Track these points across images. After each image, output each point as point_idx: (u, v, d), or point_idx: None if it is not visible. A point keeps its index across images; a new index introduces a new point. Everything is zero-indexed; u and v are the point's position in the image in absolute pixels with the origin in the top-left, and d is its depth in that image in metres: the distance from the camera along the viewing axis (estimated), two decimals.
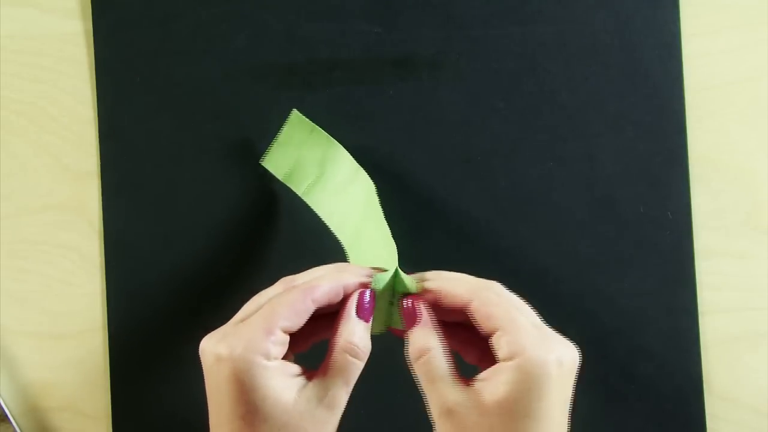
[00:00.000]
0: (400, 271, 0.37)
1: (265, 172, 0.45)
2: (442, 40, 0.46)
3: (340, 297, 0.35)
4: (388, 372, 0.46)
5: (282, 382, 0.32)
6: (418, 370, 0.34)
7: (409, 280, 0.36)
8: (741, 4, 0.47)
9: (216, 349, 0.32)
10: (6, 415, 0.45)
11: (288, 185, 0.43)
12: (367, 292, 0.36)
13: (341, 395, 0.33)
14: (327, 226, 0.46)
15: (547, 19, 0.46)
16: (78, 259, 0.46)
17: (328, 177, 0.42)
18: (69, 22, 0.46)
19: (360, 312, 0.35)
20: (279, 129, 0.45)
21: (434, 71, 0.46)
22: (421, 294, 0.36)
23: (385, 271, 0.37)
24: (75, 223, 0.46)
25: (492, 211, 0.46)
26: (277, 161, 0.43)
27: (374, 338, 0.36)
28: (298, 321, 0.33)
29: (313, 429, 0.32)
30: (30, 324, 0.46)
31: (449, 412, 0.32)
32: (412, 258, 0.37)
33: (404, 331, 0.36)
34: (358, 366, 0.34)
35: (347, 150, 0.43)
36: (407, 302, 0.36)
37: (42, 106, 0.46)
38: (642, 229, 0.46)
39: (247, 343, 0.32)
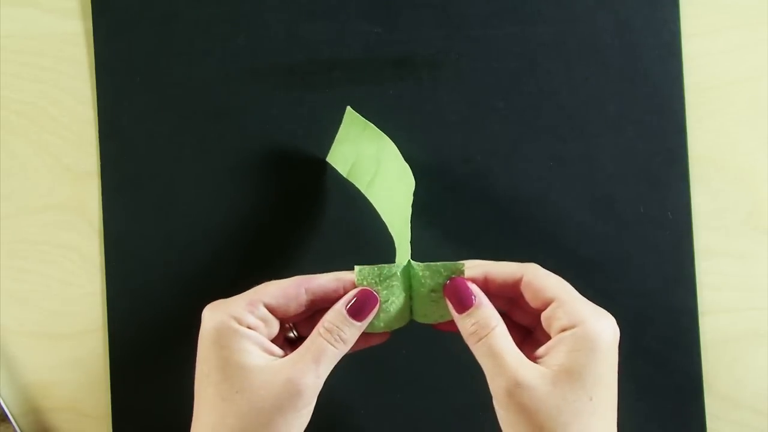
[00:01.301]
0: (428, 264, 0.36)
1: (266, 172, 0.45)
2: (442, 40, 0.46)
3: (339, 294, 0.36)
4: (387, 373, 0.46)
5: (251, 349, 0.33)
6: (480, 350, 0.34)
7: (454, 264, 0.36)
8: (741, 4, 0.47)
9: (206, 312, 0.35)
10: (6, 415, 0.45)
11: (351, 181, 0.42)
12: (360, 290, 0.35)
13: (308, 375, 0.33)
14: (327, 226, 0.46)
15: (547, 19, 0.46)
16: (78, 259, 0.46)
17: (383, 172, 0.41)
18: (69, 22, 0.46)
19: (349, 307, 0.35)
20: (278, 129, 0.45)
21: (434, 71, 0.46)
22: (467, 278, 0.36)
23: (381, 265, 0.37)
24: (75, 223, 0.46)
25: (492, 211, 0.46)
26: (339, 158, 0.43)
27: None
28: (285, 303, 0.35)
29: (274, 402, 0.32)
30: (30, 324, 0.46)
31: (519, 387, 0.32)
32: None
33: (438, 323, 0.37)
34: (331, 351, 0.34)
35: None
36: (455, 285, 0.36)
37: (42, 106, 0.46)
38: (642, 229, 0.46)
39: (230, 309, 0.34)
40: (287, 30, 0.46)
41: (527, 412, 0.32)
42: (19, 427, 0.45)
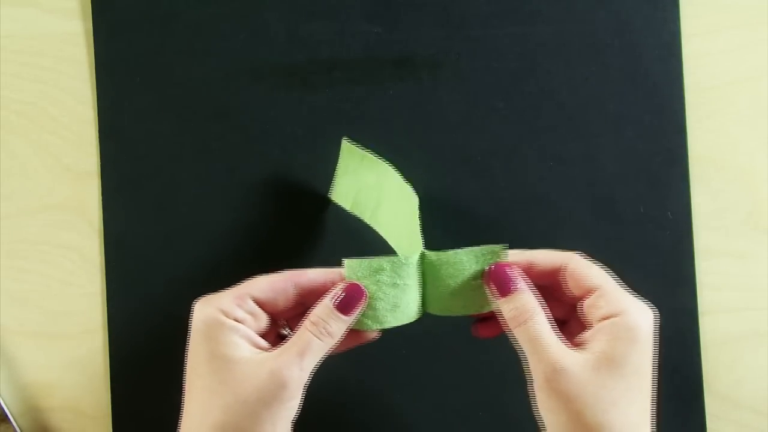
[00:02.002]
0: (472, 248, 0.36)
1: (265, 172, 0.45)
2: (442, 40, 0.46)
3: (327, 288, 0.36)
4: (387, 373, 0.46)
5: (238, 342, 0.34)
6: (520, 335, 0.34)
7: (493, 248, 0.36)
8: (741, 4, 0.47)
9: (196, 306, 0.35)
10: (6, 415, 0.45)
11: (355, 214, 0.42)
12: (347, 284, 0.35)
13: (292, 367, 0.33)
14: (327, 226, 0.46)
15: (547, 19, 0.46)
16: (78, 259, 0.46)
17: (386, 199, 0.41)
18: (69, 22, 0.46)
19: (336, 301, 0.35)
20: (278, 129, 0.45)
21: (434, 71, 0.46)
22: (509, 263, 0.36)
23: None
24: (75, 223, 0.46)
25: (492, 211, 0.46)
26: (342, 193, 0.43)
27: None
28: (274, 296, 0.35)
29: (258, 394, 0.32)
30: (30, 324, 0.46)
31: (559, 373, 0.32)
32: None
33: (472, 314, 0.37)
34: (317, 344, 0.34)
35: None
36: (497, 270, 0.36)
37: (42, 106, 0.46)
38: (642, 229, 0.46)
39: (218, 303, 0.34)
40: (287, 30, 0.46)
41: (566, 398, 0.32)
42: (19, 427, 0.45)
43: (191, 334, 0.35)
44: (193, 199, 0.46)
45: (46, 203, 0.46)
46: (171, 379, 0.45)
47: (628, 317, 0.33)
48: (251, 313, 0.35)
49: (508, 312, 0.35)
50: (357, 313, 0.35)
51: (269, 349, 0.35)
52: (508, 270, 0.36)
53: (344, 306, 0.35)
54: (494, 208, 0.46)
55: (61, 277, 0.46)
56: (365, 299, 0.35)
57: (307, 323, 0.34)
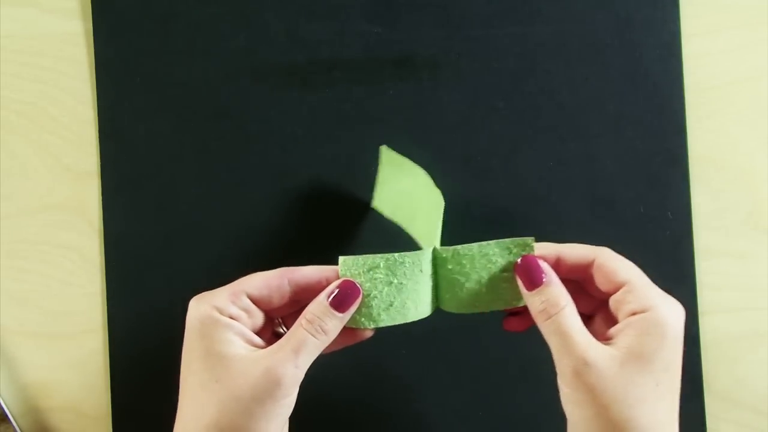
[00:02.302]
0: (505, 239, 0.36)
1: (265, 172, 0.45)
2: (442, 40, 0.46)
3: (322, 285, 0.36)
4: (387, 373, 0.46)
5: (232, 339, 0.34)
6: (548, 329, 0.34)
7: (526, 241, 0.36)
8: (741, 4, 0.47)
9: (191, 304, 0.35)
10: (6, 415, 0.45)
11: (396, 222, 0.41)
12: (342, 281, 0.35)
13: (287, 365, 0.33)
14: (327, 226, 0.46)
15: (547, 19, 0.46)
16: (78, 259, 0.46)
17: (420, 204, 0.41)
18: (69, 22, 0.46)
19: (331, 298, 0.35)
20: (278, 129, 0.45)
21: (434, 71, 0.46)
22: (538, 256, 0.36)
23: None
24: (75, 223, 0.46)
25: (492, 211, 0.46)
26: (384, 202, 0.43)
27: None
28: (268, 293, 0.35)
29: (252, 392, 0.32)
30: (30, 324, 0.46)
31: (587, 366, 0.32)
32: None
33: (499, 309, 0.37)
34: (312, 342, 0.34)
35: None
36: (526, 263, 0.36)
37: (42, 106, 0.46)
38: (642, 229, 0.46)
39: (213, 300, 0.34)
40: (287, 30, 0.46)
41: (593, 392, 0.32)
42: (19, 427, 0.45)
43: (186, 331, 0.35)
44: (193, 199, 0.46)
45: (46, 203, 0.46)
46: (171, 379, 0.45)
47: (657, 313, 0.33)
48: (246, 310, 0.35)
49: (537, 305, 0.35)
50: (352, 310, 0.35)
51: (264, 346, 0.35)
52: (537, 262, 0.35)
53: (339, 303, 0.35)
54: (494, 208, 0.46)
55: (61, 277, 0.46)
56: (360, 296, 0.35)
57: (302, 320, 0.34)
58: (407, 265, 0.36)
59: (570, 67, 0.46)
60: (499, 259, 0.37)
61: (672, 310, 0.33)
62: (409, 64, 0.46)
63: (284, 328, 0.38)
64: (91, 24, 0.46)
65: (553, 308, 0.34)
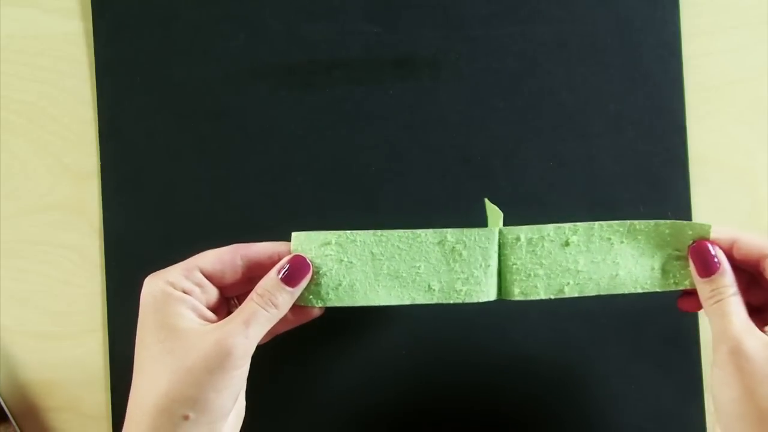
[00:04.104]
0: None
1: (265, 172, 0.45)
2: (442, 40, 0.46)
3: (274, 261, 0.36)
4: (387, 373, 0.46)
5: (184, 312, 0.34)
6: (712, 311, 0.36)
7: (703, 226, 0.37)
8: (741, 4, 0.47)
9: (145, 281, 0.36)
10: (6, 415, 0.45)
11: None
12: (293, 257, 0.36)
13: (237, 336, 0.33)
14: (327, 225, 0.46)
15: (547, 19, 0.46)
16: (78, 259, 0.46)
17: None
18: (69, 22, 0.46)
19: (282, 274, 0.35)
20: (278, 129, 0.45)
21: (434, 71, 0.46)
22: (712, 241, 0.37)
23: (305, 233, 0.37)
24: (75, 223, 0.46)
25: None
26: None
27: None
28: (221, 268, 0.36)
29: (204, 362, 0.33)
30: (30, 324, 0.46)
31: (740, 349, 0.34)
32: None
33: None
34: (262, 314, 0.34)
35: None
36: (701, 248, 0.36)
37: (42, 106, 0.46)
38: None
39: (166, 276, 0.35)
40: (287, 30, 0.46)
41: (742, 372, 0.33)
42: (19, 427, 0.45)
43: (141, 307, 0.35)
44: (193, 199, 0.46)
45: (46, 203, 0.46)
46: None
47: None
48: (199, 285, 0.35)
49: (707, 291, 0.36)
50: (302, 285, 0.36)
51: (216, 321, 0.35)
52: (712, 249, 0.36)
53: (289, 278, 0.35)
54: None
55: (61, 277, 0.46)
56: (310, 271, 0.36)
57: (253, 295, 0.35)
58: (358, 243, 0.37)
59: (570, 67, 0.46)
60: (673, 240, 0.37)
61: None
62: (409, 64, 0.46)
63: None
64: (91, 24, 0.46)
65: (721, 296, 0.35)
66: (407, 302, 0.37)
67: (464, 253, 0.37)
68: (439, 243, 0.37)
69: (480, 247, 0.37)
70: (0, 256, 0.46)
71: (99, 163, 0.46)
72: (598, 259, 0.38)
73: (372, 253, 0.37)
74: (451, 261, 0.37)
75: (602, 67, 0.46)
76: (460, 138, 0.46)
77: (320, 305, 0.37)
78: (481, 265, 0.37)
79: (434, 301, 0.37)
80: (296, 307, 0.37)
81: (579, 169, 0.46)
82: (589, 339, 0.45)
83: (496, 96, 0.46)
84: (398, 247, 0.37)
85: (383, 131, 0.46)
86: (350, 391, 0.45)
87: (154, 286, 0.35)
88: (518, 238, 0.38)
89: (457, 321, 0.46)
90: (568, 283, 0.38)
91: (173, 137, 0.46)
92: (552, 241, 0.38)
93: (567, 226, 0.38)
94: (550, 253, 0.37)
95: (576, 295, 0.38)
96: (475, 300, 0.37)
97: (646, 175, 0.46)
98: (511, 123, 0.46)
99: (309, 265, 0.36)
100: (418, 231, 0.37)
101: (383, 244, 0.37)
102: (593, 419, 0.45)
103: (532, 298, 0.37)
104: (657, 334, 0.45)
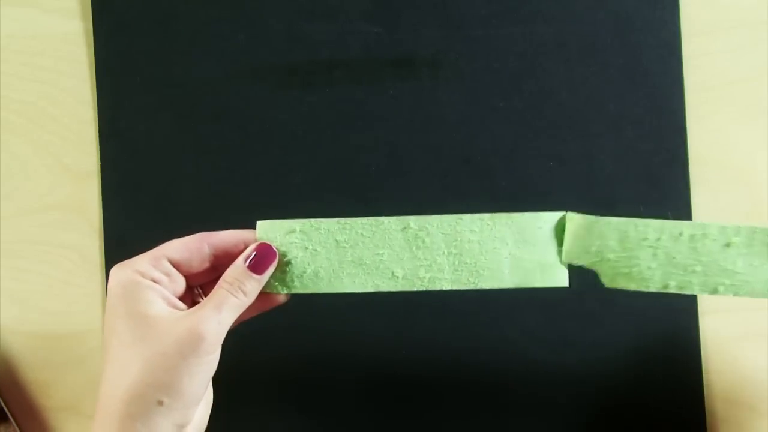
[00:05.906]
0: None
1: (265, 172, 0.45)
2: (442, 40, 0.46)
3: (240, 249, 0.36)
4: (387, 373, 0.46)
5: (154, 300, 0.34)
6: None
7: None
8: (741, 4, 0.47)
9: (112, 271, 0.35)
10: (6, 415, 0.45)
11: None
12: (258, 245, 0.36)
13: (210, 321, 0.33)
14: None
15: (547, 19, 0.46)
16: (78, 259, 0.46)
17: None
18: (69, 22, 0.46)
19: (248, 261, 0.35)
20: (278, 129, 0.45)
21: (434, 71, 0.46)
22: None
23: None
24: (75, 223, 0.46)
25: (492, 212, 0.46)
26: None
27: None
28: (188, 257, 0.36)
29: (176, 348, 0.33)
30: (30, 324, 0.46)
31: None
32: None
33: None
34: (233, 300, 0.34)
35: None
36: None
37: (42, 106, 0.46)
38: None
39: (134, 265, 0.35)
40: (287, 30, 0.46)
41: None
42: (19, 427, 0.45)
43: (108, 298, 0.34)
44: (193, 199, 0.46)
45: (46, 203, 0.46)
46: None
47: None
48: (167, 274, 0.35)
49: None
50: (269, 272, 0.36)
51: (185, 310, 0.35)
52: None
53: (256, 265, 0.36)
54: (494, 208, 0.46)
55: (61, 277, 0.46)
56: (276, 259, 0.36)
57: (222, 282, 0.35)
58: (323, 231, 0.37)
59: (570, 67, 0.46)
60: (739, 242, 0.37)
61: None
62: (409, 64, 0.46)
63: (203, 298, 0.38)
64: (91, 24, 0.46)
65: None
66: (371, 289, 0.37)
67: (427, 240, 0.37)
68: (402, 230, 0.37)
69: (442, 233, 0.37)
70: (0, 256, 0.46)
71: (99, 163, 0.46)
72: (756, 263, 0.38)
73: (336, 240, 0.37)
74: (414, 248, 0.37)
75: (602, 67, 0.46)
76: (460, 138, 0.46)
77: (285, 292, 0.37)
78: (443, 252, 0.37)
79: (398, 288, 0.37)
80: (261, 294, 0.37)
81: (579, 169, 0.46)
82: (589, 339, 0.45)
83: (496, 96, 0.46)
84: (362, 234, 0.37)
85: (383, 131, 0.46)
86: (350, 390, 0.45)
87: (122, 275, 0.34)
88: (681, 233, 0.37)
89: (457, 320, 0.46)
90: (723, 283, 0.38)
91: (173, 137, 0.46)
92: (714, 240, 0.38)
93: (730, 227, 0.37)
94: (711, 251, 0.37)
95: (731, 295, 0.37)
96: (437, 287, 0.37)
97: (646, 175, 0.46)
98: (511, 123, 0.46)
99: (275, 252, 0.36)
100: (381, 218, 0.37)
101: (347, 231, 0.37)
102: (593, 420, 0.45)
103: (686, 292, 0.38)
104: (657, 334, 0.45)
